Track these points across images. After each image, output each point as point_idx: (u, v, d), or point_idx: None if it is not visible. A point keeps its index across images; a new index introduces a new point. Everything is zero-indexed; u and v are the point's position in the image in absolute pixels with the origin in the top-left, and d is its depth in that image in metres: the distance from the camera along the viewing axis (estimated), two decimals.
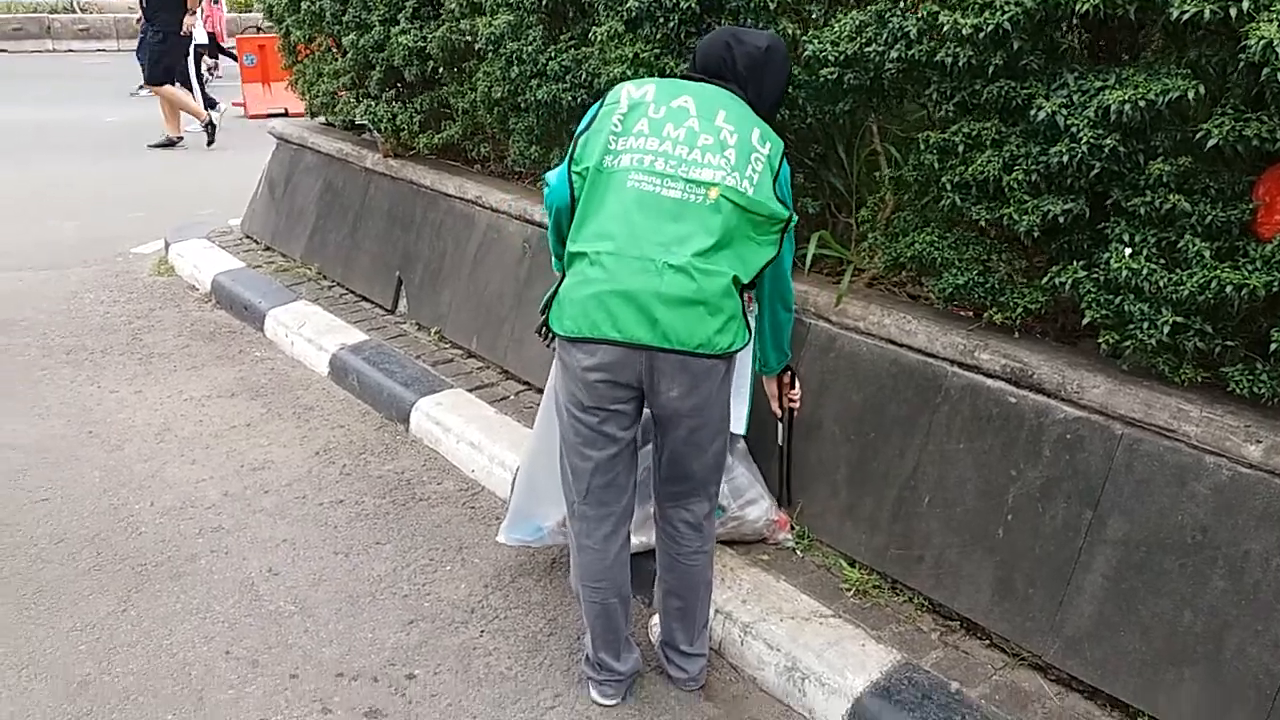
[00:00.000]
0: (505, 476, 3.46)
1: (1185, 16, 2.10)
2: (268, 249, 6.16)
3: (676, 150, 2.25)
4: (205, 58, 14.42)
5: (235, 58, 16.25)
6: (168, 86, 9.77)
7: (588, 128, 2.36)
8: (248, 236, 6.41)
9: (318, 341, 4.65)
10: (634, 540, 2.86)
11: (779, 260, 2.39)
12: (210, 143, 10.11)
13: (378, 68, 5.00)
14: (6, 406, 4.12)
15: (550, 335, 2.38)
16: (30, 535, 3.22)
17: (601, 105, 2.39)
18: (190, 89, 10.66)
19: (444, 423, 3.86)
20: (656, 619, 2.69)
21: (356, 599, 2.96)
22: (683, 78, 2.51)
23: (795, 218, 2.36)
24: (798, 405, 2.96)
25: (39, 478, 3.58)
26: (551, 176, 2.46)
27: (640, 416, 2.41)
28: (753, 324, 2.53)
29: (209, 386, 4.41)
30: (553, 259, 2.62)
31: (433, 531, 3.32)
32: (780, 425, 3.01)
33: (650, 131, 2.28)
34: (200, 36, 11.17)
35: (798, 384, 2.92)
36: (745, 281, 2.28)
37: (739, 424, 2.83)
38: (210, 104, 10.84)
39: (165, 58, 9.57)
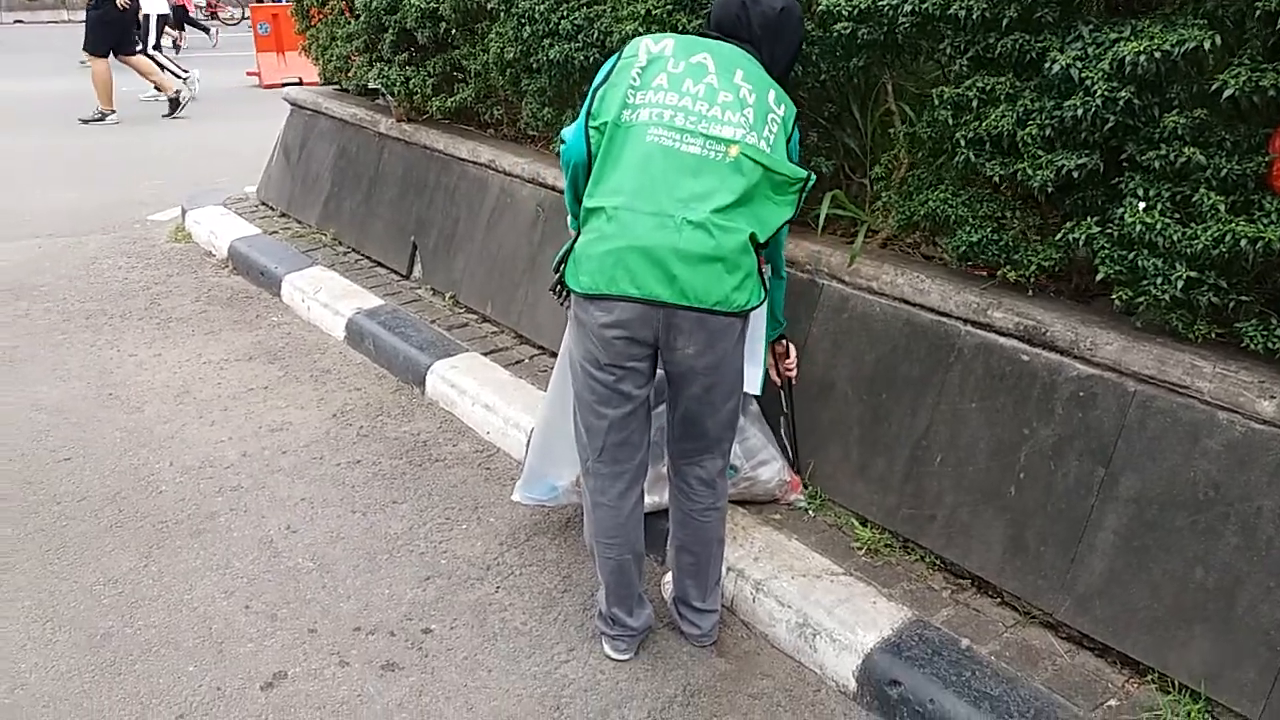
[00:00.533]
0: (520, 438, 3.49)
1: None
2: (283, 215, 6.18)
3: (696, 106, 2.24)
4: (169, 30, 14.46)
5: (207, 30, 16.27)
6: (138, 57, 9.82)
7: (604, 81, 2.34)
8: (263, 203, 6.43)
9: (333, 306, 4.67)
10: (647, 499, 2.88)
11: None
12: (171, 114, 10.13)
13: (390, 30, 4.99)
14: (29, 370, 4.18)
15: (565, 293, 2.39)
16: (54, 493, 3.27)
17: (619, 59, 2.37)
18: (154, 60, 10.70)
19: (459, 385, 3.88)
20: (669, 576, 2.71)
21: (374, 556, 3.00)
22: (698, 35, 2.49)
23: (813, 177, 2.35)
24: (794, 375, 2.95)
25: (61, 437, 3.63)
26: (567, 133, 2.44)
27: (655, 374, 2.42)
28: (768, 283, 2.52)
29: (227, 350, 4.44)
30: (569, 218, 2.62)
31: (449, 491, 3.35)
32: (782, 394, 3.02)
33: (670, 86, 2.27)
34: (159, 7, 11.08)
35: (793, 352, 2.91)
36: (761, 240, 2.27)
37: (754, 385, 2.83)
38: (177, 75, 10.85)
39: (102, 28, 9.55)
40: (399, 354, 4.21)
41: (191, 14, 16.36)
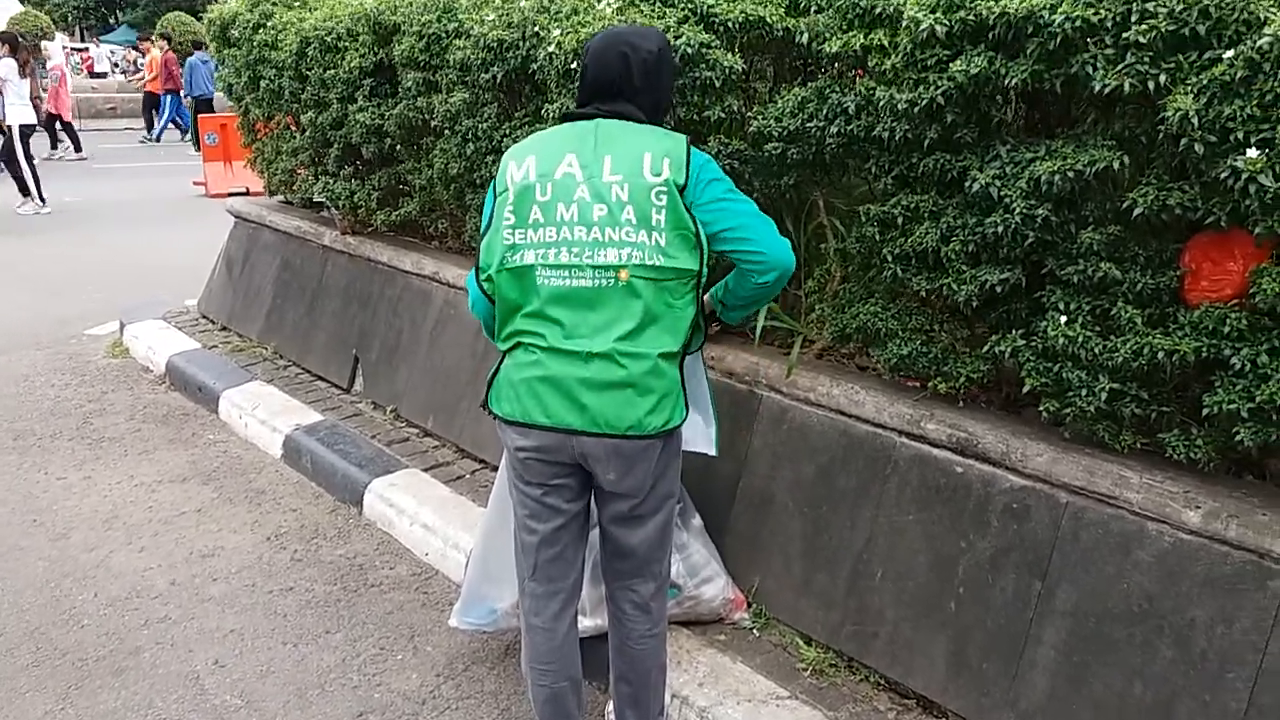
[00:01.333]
0: (459, 560, 3.41)
1: (1107, 90, 2.16)
2: (224, 329, 6.11)
3: (575, 234, 2.17)
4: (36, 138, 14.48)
5: (78, 144, 16.20)
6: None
7: (487, 228, 2.32)
8: (204, 316, 6.37)
9: (271, 423, 4.59)
10: (588, 622, 2.82)
11: (757, 224, 2.28)
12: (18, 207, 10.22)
13: (336, 145, 5.04)
14: None
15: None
16: None
17: (494, 195, 2.33)
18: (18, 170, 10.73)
19: (398, 504, 3.80)
20: (610, 706, 2.62)
21: (304, 691, 2.88)
22: (564, 117, 2.38)
23: (704, 270, 2.23)
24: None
25: None
26: (470, 284, 2.42)
27: (588, 489, 2.38)
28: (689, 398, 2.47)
29: (160, 471, 4.33)
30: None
31: (384, 619, 3.25)
32: None
33: (545, 220, 2.20)
34: (22, 117, 11.09)
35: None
36: (676, 350, 2.23)
37: (708, 445, 2.78)
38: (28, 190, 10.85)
39: None
40: (337, 471, 4.13)
41: (68, 119, 16.28)
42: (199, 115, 14.84)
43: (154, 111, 18.43)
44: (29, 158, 10.93)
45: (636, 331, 2.17)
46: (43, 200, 10.81)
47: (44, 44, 18.20)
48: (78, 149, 16.03)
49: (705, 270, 2.24)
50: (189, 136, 16.98)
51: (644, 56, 2.29)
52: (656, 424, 2.20)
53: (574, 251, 2.17)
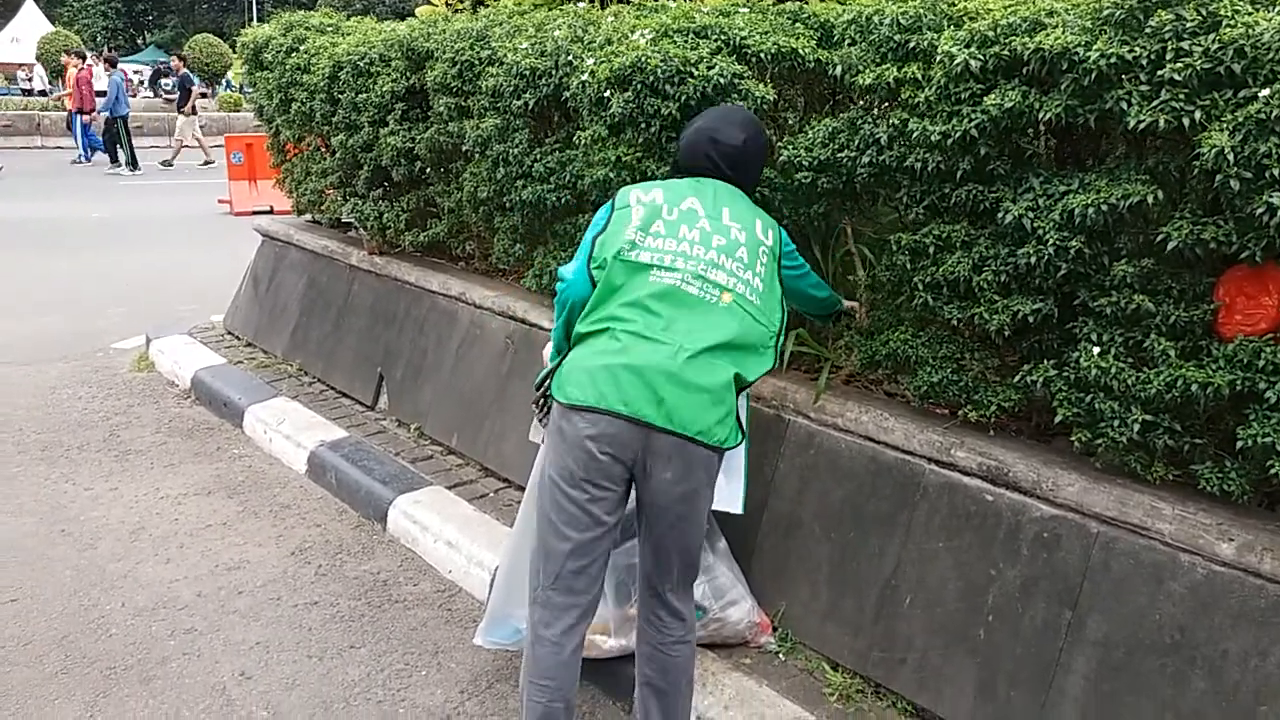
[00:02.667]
0: (483, 577, 3.42)
1: (1142, 125, 2.19)
2: (249, 345, 6.17)
3: (694, 250, 2.37)
4: None
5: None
6: None
7: (602, 230, 2.46)
8: (229, 333, 6.43)
9: (296, 438, 4.63)
10: (613, 643, 2.83)
11: (803, 278, 2.72)
12: None
13: (365, 167, 5.11)
14: None
15: (546, 408, 2.41)
16: None
17: (612, 209, 2.49)
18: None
19: (422, 521, 3.82)
20: None
21: (330, 705, 2.89)
22: (679, 178, 2.61)
23: (782, 334, 2.48)
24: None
25: (8, 577, 3.51)
26: (566, 271, 2.55)
27: (626, 504, 2.39)
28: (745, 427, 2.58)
29: (185, 484, 4.36)
30: (552, 350, 2.69)
31: (408, 634, 3.26)
32: None
33: (667, 233, 2.40)
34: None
35: None
36: (745, 381, 2.34)
37: (735, 503, 2.82)
38: None
39: None
40: (361, 488, 4.16)
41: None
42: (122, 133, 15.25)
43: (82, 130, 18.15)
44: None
45: (724, 348, 2.30)
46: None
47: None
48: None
49: (783, 332, 2.48)
50: (119, 157, 16.81)
51: (727, 150, 2.57)
52: (721, 436, 2.27)
53: (690, 263, 2.35)
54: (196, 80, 19.00)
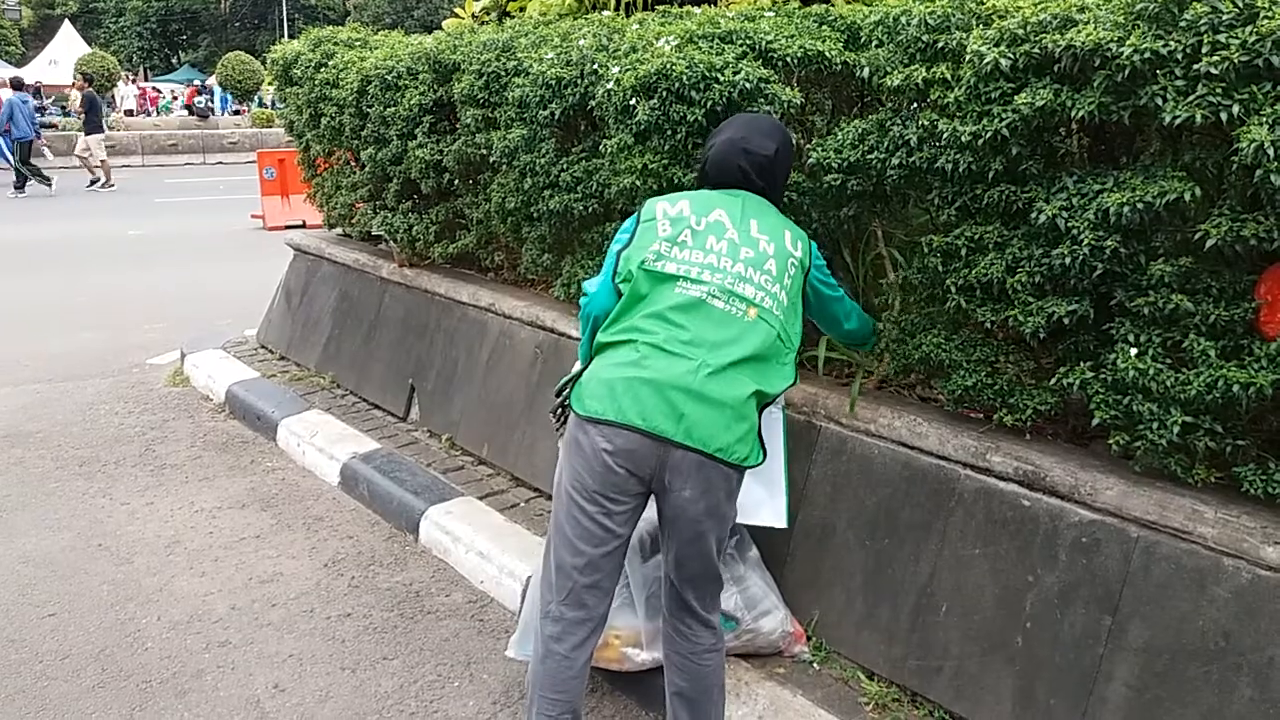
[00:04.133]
0: (514, 587, 3.42)
1: (1178, 121, 2.14)
2: (282, 359, 6.22)
3: (721, 263, 2.35)
4: None
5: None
6: None
7: (628, 244, 2.45)
8: (263, 346, 6.49)
9: (329, 451, 4.65)
10: (646, 656, 2.81)
11: (836, 301, 2.68)
12: None
13: (395, 180, 5.14)
14: (18, 519, 4.12)
15: (564, 418, 2.40)
16: (36, 651, 3.18)
17: (638, 221, 2.48)
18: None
19: (453, 532, 3.82)
20: None
21: (364, 717, 2.89)
22: (707, 189, 2.59)
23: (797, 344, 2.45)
24: None
25: (47, 592, 3.55)
26: (590, 285, 2.55)
27: (639, 516, 2.37)
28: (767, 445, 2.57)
29: (220, 498, 4.40)
30: (578, 363, 2.68)
31: (441, 646, 3.26)
32: None
33: (694, 244, 2.38)
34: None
35: None
36: (767, 396, 2.32)
37: (779, 518, 2.81)
38: None
39: None
40: (393, 499, 4.17)
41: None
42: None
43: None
44: None
45: (746, 363, 2.27)
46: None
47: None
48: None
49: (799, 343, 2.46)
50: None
51: (758, 160, 2.55)
52: (741, 454, 2.24)
53: (716, 275, 2.33)
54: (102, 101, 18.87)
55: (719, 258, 2.35)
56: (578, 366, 2.75)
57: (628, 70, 3.19)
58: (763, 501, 2.80)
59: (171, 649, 3.22)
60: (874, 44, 2.95)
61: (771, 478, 2.81)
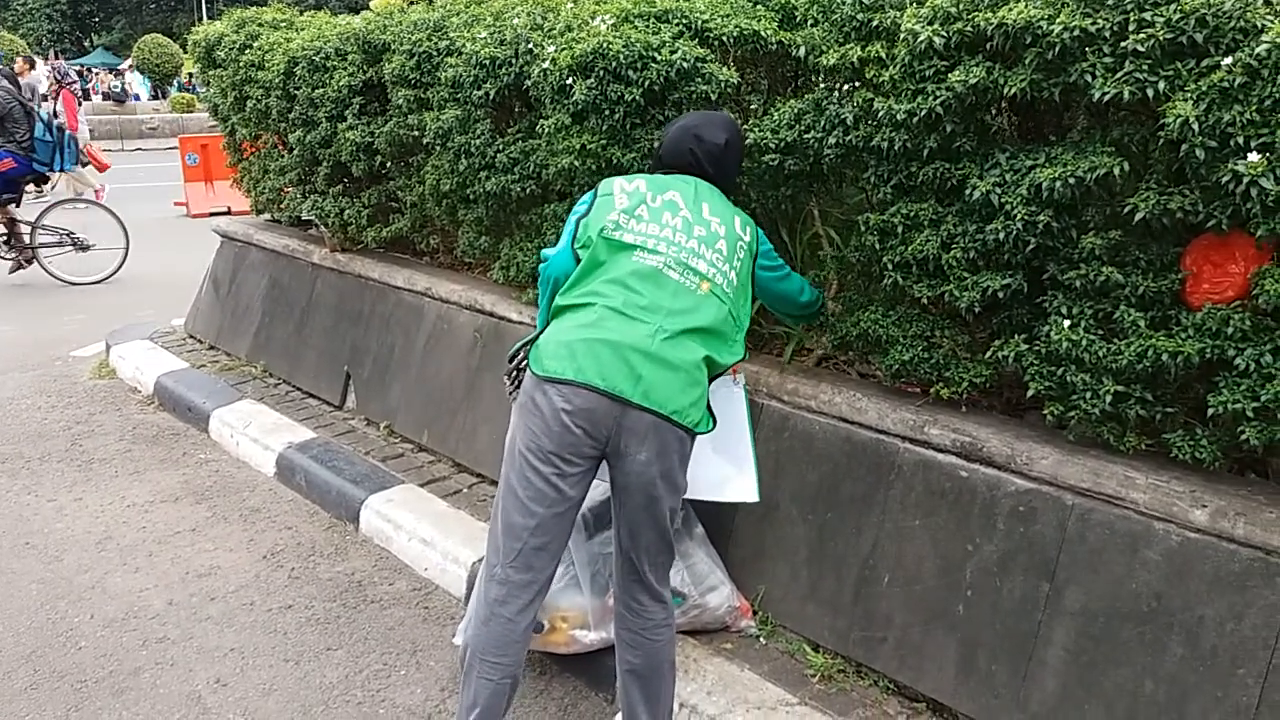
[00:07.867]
0: (459, 574, 3.39)
1: (1107, 98, 2.19)
2: (212, 348, 6.08)
3: (676, 237, 2.42)
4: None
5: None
6: None
7: (586, 214, 2.50)
8: (191, 336, 6.33)
9: (264, 441, 4.56)
10: (593, 636, 2.81)
11: (784, 280, 2.77)
12: None
13: (325, 163, 5.03)
14: None
15: (518, 381, 2.44)
16: None
17: (596, 195, 2.53)
18: None
19: (395, 520, 3.78)
20: (619, 718, 2.61)
21: (309, 709, 2.85)
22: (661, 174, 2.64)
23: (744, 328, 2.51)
24: None
25: None
26: (549, 252, 2.62)
27: (589, 481, 2.36)
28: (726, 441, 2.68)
29: (152, 491, 4.29)
30: (537, 325, 2.70)
31: (386, 635, 3.23)
32: None
33: (650, 218, 2.44)
34: None
35: None
36: (716, 365, 2.37)
37: (751, 492, 2.82)
38: None
39: None
40: (331, 489, 4.11)
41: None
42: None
43: None
44: None
45: (699, 332, 2.33)
46: None
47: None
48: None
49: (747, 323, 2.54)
50: None
51: (709, 148, 2.63)
52: (694, 418, 2.29)
53: (671, 248, 2.40)
54: None
55: (674, 232, 2.41)
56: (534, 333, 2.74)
57: (563, 49, 3.16)
58: (730, 478, 2.81)
59: (107, 647, 3.14)
60: (809, 23, 2.97)
61: (739, 453, 2.83)
